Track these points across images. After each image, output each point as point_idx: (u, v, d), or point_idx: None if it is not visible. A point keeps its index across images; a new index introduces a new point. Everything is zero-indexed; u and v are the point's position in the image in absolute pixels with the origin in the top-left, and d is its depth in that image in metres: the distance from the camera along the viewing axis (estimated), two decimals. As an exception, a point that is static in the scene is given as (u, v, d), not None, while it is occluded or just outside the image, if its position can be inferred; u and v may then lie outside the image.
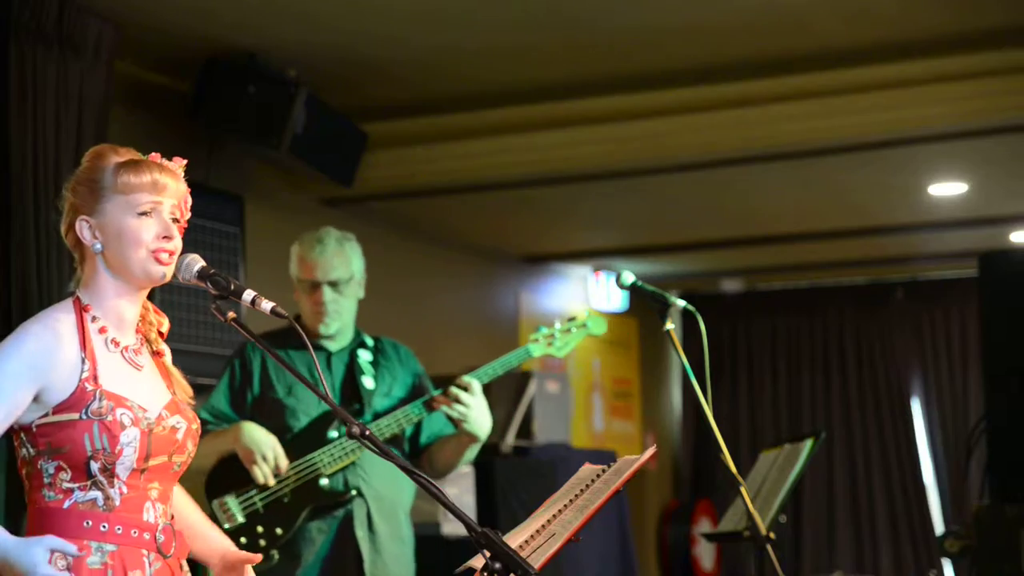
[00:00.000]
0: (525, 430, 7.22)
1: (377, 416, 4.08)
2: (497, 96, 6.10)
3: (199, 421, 2.69)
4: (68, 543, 2.36)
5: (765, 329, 10.76)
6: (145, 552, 2.51)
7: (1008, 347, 5.54)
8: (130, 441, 2.49)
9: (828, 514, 10.41)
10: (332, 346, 4.18)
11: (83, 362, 2.50)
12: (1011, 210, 7.86)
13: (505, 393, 7.03)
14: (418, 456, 4.21)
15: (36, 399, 2.48)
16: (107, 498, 2.49)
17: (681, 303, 3.76)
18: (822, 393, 10.58)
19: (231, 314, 2.59)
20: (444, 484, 5.56)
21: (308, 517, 3.99)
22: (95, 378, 2.51)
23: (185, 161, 2.65)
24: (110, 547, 2.47)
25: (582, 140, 6.19)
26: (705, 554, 10.17)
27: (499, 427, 6.97)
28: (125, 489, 2.50)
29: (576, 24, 5.31)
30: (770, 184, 7.14)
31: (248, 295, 2.55)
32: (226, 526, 3.95)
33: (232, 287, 2.57)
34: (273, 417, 4.06)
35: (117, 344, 2.58)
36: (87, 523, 2.47)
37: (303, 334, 2.60)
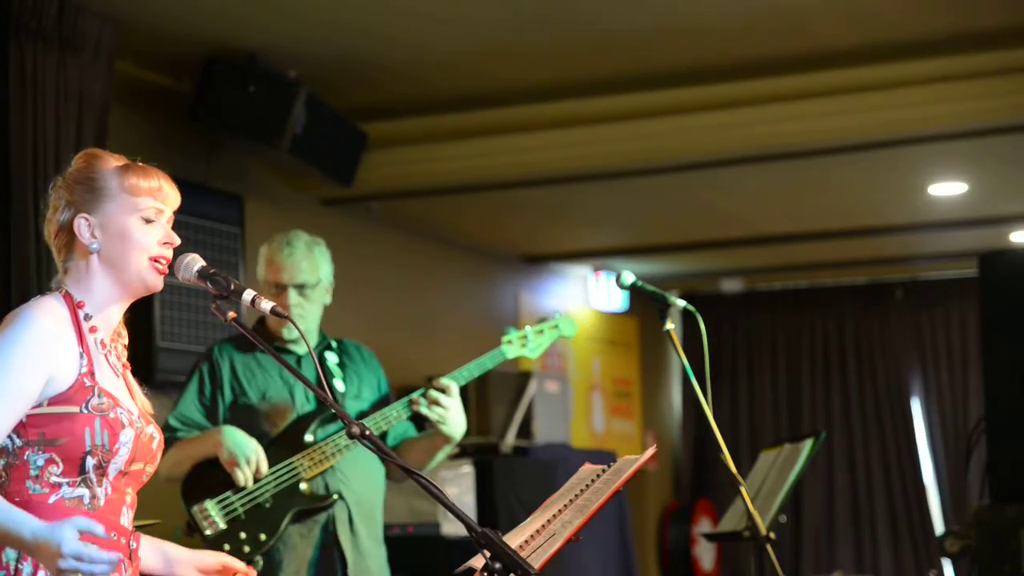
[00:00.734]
0: (525, 430, 7.22)
1: (360, 417, 4.07)
2: (497, 96, 6.10)
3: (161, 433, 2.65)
4: (95, 523, 2.28)
5: (765, 329, 10.76)
6: (121, 556, 2.49)
7: (1008, 347, 5.54)
8: (126, 442, 2.48)
9: (828, 514, 10.41)
10: (299, 349, 4.15)
11: (81, 356, 2.48)
12: (1011, 210, 7.86)
13: (505, 393, 7.03)
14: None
15: None
16: (93, 496, 2.47)
17: (681, 303, 3.76)
18: (822, 393, 10.58)
19: (231, 314, 2.58)
20: (444, 484, 5.57)
21: (291, 522, 3.99)
22: (92, 374, 2.49)
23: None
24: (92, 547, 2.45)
25: (582, 140, 6.19)
26: (705, 554, 10.17)
27: (499, 427, 6.98)
28: (110, 490, 2.49)
29: (576, 24, 5.31)
30: (770, 184, 7.14)
31: (248, 295, 2.55)
32: (208, 532, 3.93)
33: (232, 287, 2.56)
34: (248, 423, 4.03)
35: (104, 346, 2.56)
36: None
37: (304, 335, 2.59)
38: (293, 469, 3.98)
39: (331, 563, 4.02)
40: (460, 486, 6.32)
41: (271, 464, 3.97)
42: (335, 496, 4.01)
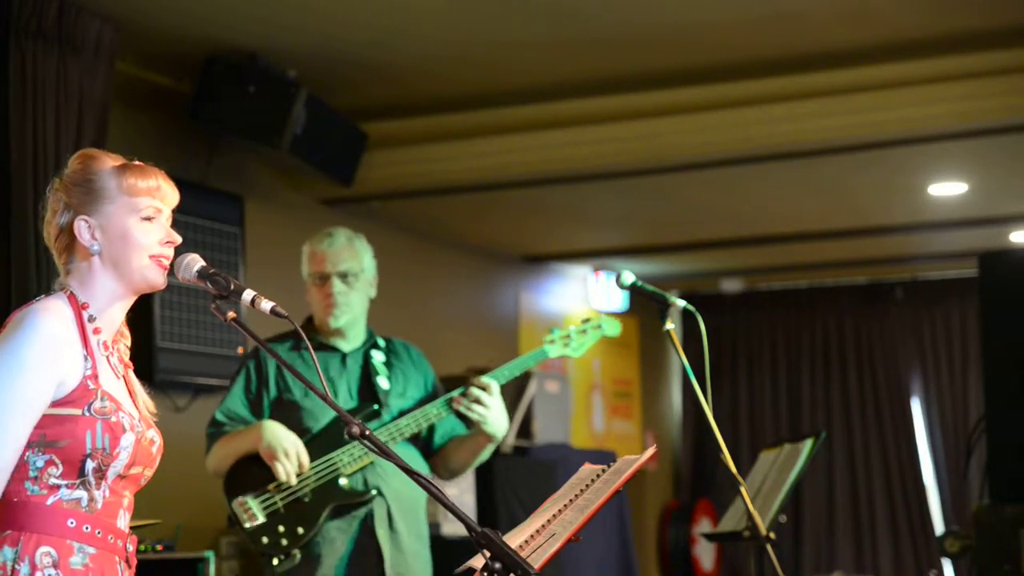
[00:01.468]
0: (525, 430, 7.22)
1: (401, 414, 4.10)
2: (497, 96, 6.10)
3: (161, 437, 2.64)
4: None
5: (765, 329, 10.76)
6: (118, 559, 2.49)
7: (1008, 347, 5.55)
8: (127, 446, 2.47)
9: (828, 514, 10.41)
10: (345, 346, 4.20)
11: (85, 359, 2.47)
12: (1011, 210, 7.86)
13: (505, 393, 7.00)
14: (432, 456, 4.23)
15: None
16: (91, 499, 2.46)
17: (681, 303, 3.76)
18: (822, 393, 10.58)
19: (231, 314, 2.58)
20: (444, 484, 5.56)
21: (329, 517, 4.01)
22: (96, 377, 2.48)
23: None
24: (91, 550, 2.44)
25: (582, 140, 6.19)
26: (705, 554, 10.17)
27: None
28: (108, 493, 2.48)
29: (576, 24, 5.31)
30: (770, 184, 7.14)
31: (248, 295, 2.54)
32: (247, 526, 3.96)
33: (232, 287, 2.56)
34: (291, 419, 4.07)
35: (107, 347, 2.55)
36: (71, 522, 2.43)
37: (303, 334, 2.59)
38: (333, 465, 4.01)
39: (367, 558, 4.03)
40: (460, 486, 6.32)
41: (312, 459, 4.00)
42: (373, 492, 4.02)
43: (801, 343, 10.67)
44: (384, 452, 2.37)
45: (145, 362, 5.49)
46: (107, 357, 2.54)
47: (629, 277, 3.78)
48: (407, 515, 4.10)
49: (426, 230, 7.85)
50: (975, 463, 8.47)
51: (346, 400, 4.13)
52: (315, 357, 2.52)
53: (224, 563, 5.54)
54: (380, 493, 4.04)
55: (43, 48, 4.67)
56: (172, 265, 2.58)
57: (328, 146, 5.92)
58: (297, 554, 3.97)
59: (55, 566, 2.39)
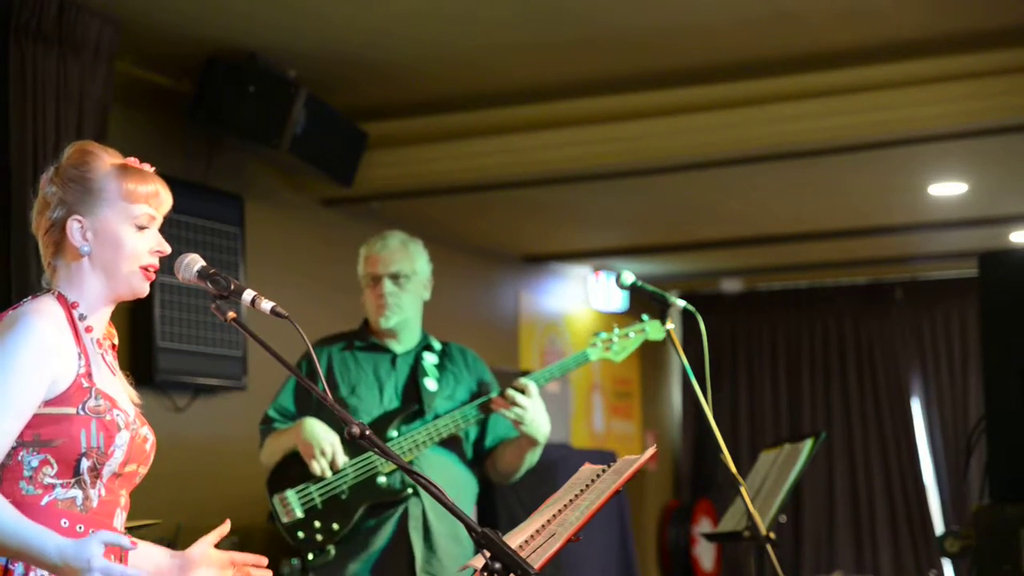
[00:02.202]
0: (525, 430, 7.20)
1: (437, 417, 4.13)
2: (497, 96, 6.10)
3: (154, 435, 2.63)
4: (122, 536, 2.27)
5: (765, 329, 10.76)
6: (113, 559, 2.47)
7: (1008, 347, 5.54)
8: (122, 444, 2.46)
9: (828, 514, 10.41)
10: (398, 348, 4.24)
11: (79, 357, 2.46)
12: (1011, 210, 7.86)
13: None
14: (483, 459, 4.25)
15: None
16: (86, 498, 2.45)
17: (681, 303, 3.76)
18: (822, 393, 10.58)
19: (231, 314, 2.57)
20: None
21: (365, 514, 4.05)
22: (89, 375, 2.47)
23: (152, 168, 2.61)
24: None
25: (582, 140, 6.19)
26: (705, 554, 10.17)
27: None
28: (103, 492, 2.47)
29: (576, 24, 5.31)
30: (770, 184, 7.14)
31: (248, 295, 2.54)
32: (285, 520, 4.04)
33: (232, 287, 2.55)
34: (334, 417, 4.08)
35: (100, 345, 2.54)
36: (64, 522, 2.41)
37: (303, 335, 2.59)
38: (372, 463, 4.04)
39: (399, 558, 4.06)
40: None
41: (353, 457, 4.04)
42: (409, 491, 4.04)
43: (801, 343, 10.67)
44: (384, 452, 2.38)
45: (145, 362, 5.49)
46: (101, 355, 2.53)
47: (629, 277, 3.78)
48: (444, 516, 4.09)
49: (426, 230, 7.81)
50: (975, 463, 8.47)
51: (391, 400, 4.17)
52: (312, 351, 2.52)
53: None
54: (416, 493, 4.06)
55: (43, 48, 4.67)
56: (171, 266, 2.58)
57: (328, 146, 5.92)
58: (331, 550, 4.03)
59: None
